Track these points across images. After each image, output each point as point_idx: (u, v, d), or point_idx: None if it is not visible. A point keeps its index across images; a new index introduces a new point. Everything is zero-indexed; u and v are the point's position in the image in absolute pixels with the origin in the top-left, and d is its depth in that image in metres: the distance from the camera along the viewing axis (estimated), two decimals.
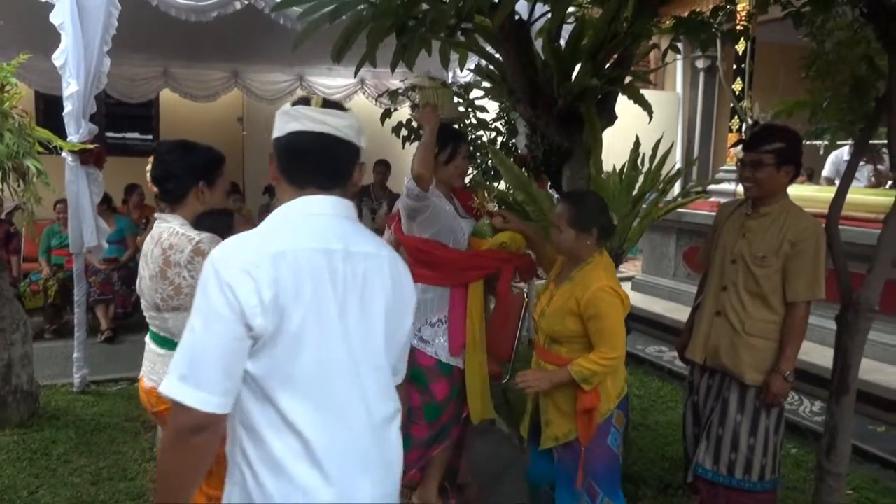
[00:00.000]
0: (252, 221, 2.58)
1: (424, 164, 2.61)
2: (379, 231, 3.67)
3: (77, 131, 4.18)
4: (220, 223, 2.16)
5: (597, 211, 2.38)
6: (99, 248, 4.51)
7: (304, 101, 1.41)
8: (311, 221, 1.38)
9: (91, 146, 4.23)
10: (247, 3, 4.48)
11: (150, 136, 9.44)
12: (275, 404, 1.27)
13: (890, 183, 5.53)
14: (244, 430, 1.30)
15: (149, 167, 2.26)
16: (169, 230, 2.14)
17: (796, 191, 2.67)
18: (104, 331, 5.78)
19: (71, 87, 4.08)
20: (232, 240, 1.33)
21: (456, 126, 2.94)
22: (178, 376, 1.22)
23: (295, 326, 1.27)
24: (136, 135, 9.51)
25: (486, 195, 2.91)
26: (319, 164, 1.40)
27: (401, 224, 2.90)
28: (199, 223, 2.16)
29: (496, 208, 2.89)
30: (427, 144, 2.67)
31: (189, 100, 8.46)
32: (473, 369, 2.88)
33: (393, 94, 6.05)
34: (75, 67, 4.05)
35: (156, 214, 2.24)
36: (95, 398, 4.46)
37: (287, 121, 1.40)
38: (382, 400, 1.42)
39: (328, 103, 1.43)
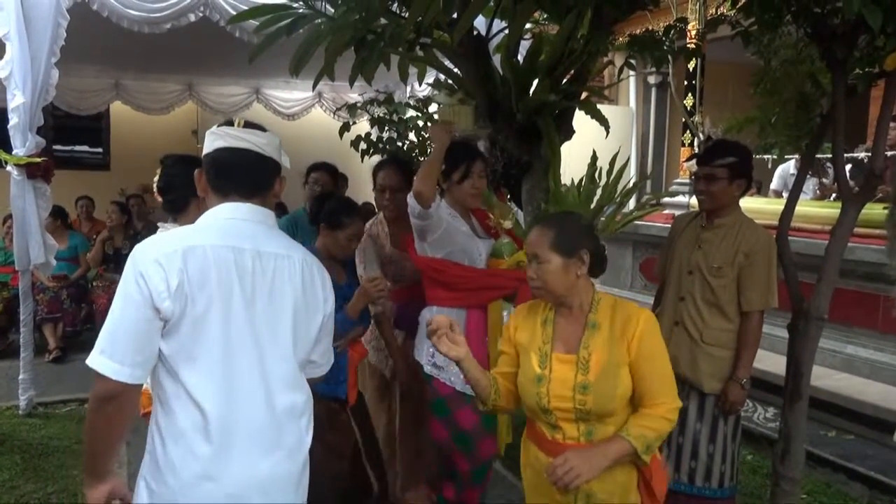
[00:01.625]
0: None
1: (424, 181, 2.50)
2: None
3: (23, 144, 4.04)
4: None
5: (585, 231, 1.88)
6: (47, 265, 4.35)
7: (229, 123, 1.63)
8: (227, 224, 1.57)
9: (38, 159, 4.10)
10: (201, 15, 4.42)
11: (100, 150, 9.20)
12: (180, 380, 1.46)
13: (834, 195, 5.74)
14: (159, 403, 1.50)
15: (156, 178, 2.36)
16: None
17: (746, 203, 2.75)
18: (52, 350, 5.57)
19: (16, 100, 3.95)
20: (156, 236, 1.55)
21: (478, 143, 2.80)
22: (98, 350, 1.43)
23: (198, 311, 1.46)
24: (85, 148, 9.25)
25: (501, 213, 2.73)
26: (241, 175, 1.60)
27: (414, 244, 2.76)
28: None
29: (512, 226, 2.71)
30: (431, 161, 2.58)
31: (142, 112, 8.28)
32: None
33: (351, 108, 6.02)
34: (21, 79, 3.93)
35: (159, 223, 2.32)
36: (43, 421, 4.28)
37: (214, 139, 1.61)
38: (288, 389, 1.57)
39: (249, 124, 1.64)
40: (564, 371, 1.76)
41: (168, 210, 2.30)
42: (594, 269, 1.86)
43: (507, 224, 2.69)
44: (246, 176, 1.60)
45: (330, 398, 2.56)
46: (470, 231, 2.74)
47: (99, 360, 1.42)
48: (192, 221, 2.21)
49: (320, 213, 2.71)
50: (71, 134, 8.93)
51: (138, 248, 1.50)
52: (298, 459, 1.60)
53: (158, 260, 1.44)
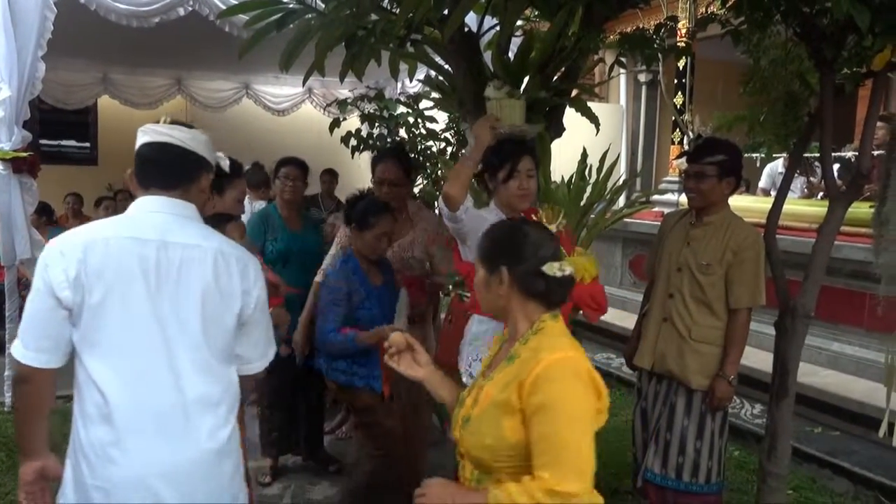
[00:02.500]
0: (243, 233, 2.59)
1: (453, 183, 2.38)
2: (327, 241, 3.63)
3: (9, 139, 4.00)
4: (213, 226, 2.34)
5: (509, 246, 1.56)
6: (33, 260, 4.32)
7: (155, 122, 1.72)
8: (139, 216, 1.65)
9: (24, 154, 4.06)
10: (190, 9, 4.39)
11: (87, 144, 9.12)
12: (85, 365, 1.55)
13: (821, 194, 5.79)
14: (76, 388, 1.59)
15: None
16: None
17: (734, 201, 2.77)
18: None
19: (2, 93, 3.91)
20: (71, 230, 1.64)
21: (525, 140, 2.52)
22: (17, 337, 1.56)
23: (95, 300, 1.53)
24: (72, 142, 9.17)
25: (548, 215, 2.51)
26: (160, 168, 1.67)
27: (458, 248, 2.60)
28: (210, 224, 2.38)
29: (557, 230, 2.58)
30: (464, 161, 2.44)
31: (130, 107, 8.21)
32: None
33: (342, 104, 6.01)
34: (7, 72, 3.88)
35: None
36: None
37: (141, 136, 1.70)
38: (199, 378, 1.60)
39: (175, 121, 1.73)
40: (469, 398, 1.57)
41: None
42: (533, 294, 1.53)
43: (553, 227, 2.54)
44: (165, 169, 1.67)
45: (366, 389, 2.74)
46: None
47: (15, 344, 1.57)
48: (207, 213, 2.32)
49: (352, 214, 2.77)
50: (58, 128, 8.84)
51: (50, 240, 1.63)
52: (211, 449, 1.61)
53: (62, 251, 1.55)
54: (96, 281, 1.53)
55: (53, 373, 1.58)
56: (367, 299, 2.75)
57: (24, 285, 5.47)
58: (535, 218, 2.33)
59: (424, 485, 1.49)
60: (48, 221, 5.77)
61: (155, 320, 1.57)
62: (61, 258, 1.54)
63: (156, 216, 1.64)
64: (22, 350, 1.55)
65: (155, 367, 1.57)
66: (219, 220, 2.41)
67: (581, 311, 2.47)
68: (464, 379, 2.52)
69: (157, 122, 1.71)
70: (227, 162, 1.91)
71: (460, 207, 2.35)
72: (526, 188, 2.43)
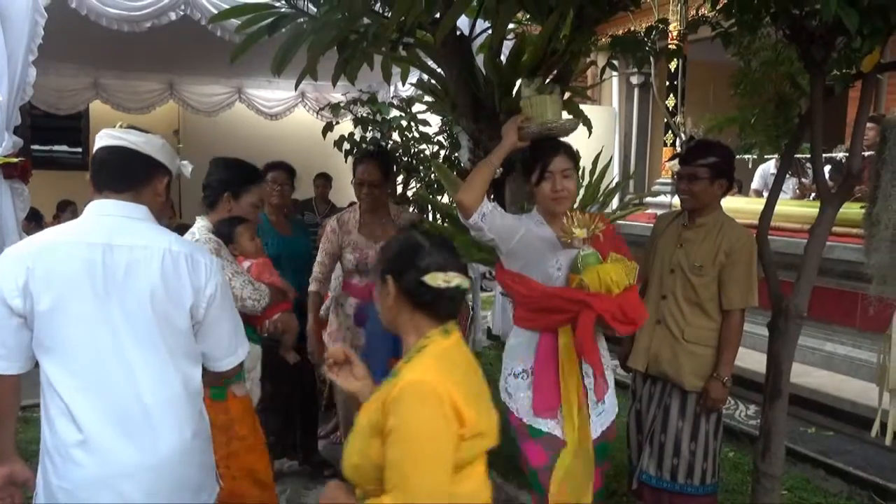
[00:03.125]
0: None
1: (465, 188, 2.25)
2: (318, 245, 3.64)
3: (0, 144, 3.98)
4: (225, 229, 2.51)
5: (397, 254, 1.53)
6: None
7: (111, 127, 1.76)
8: (88, 220, 1.68)
9: (15, 159, 4.04)
10: (182, 13, 4.38)
11: (80, 149, 9.09)
12: (44, 370, 1.61)
13: (813, 195, 5.82)
14: (41, 392, 1.65)
15: None
16: (193, 230, 2.52)
17: (727, 202, 2.78)
18: None
19: None
20: (28, 238, 1.69)
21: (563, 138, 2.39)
22: None
23: (45, 307, 1.57)
24: (64, 148, 9.13)
25: (579, 220, 2.22)
26: (111, 171, 1.71)
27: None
28: (217, 228, 2.52)
29: (588, 235, 2.21)
30: (480, 165, 2.31)
31: (122, 112, 8.18)
32: (569, 446, 2.28)
33: (335, 108, 6.01)
34: None
35: (197, 216, 2.59)
36: (22, 425, 4.21)
37: (98, 140, 1.74)
38: (156, 379, 1.63)
39: (132, 127, 1.77)
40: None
41: (204, 205, 2.60)
42: (419, 305, 1.49)
43: (581, 233, 2.20)
44: (116, 172, 1.71)
45: None
46: (556, 240, 2.32)
47: None
48: (218, 218, 2.54)
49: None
50: (49, 133, 8.81)
51: (4, 250, 1.67)
52: (174, 447, 1.65)
53: (13, 259, 1.59)
54: (45, 287, 1.57)
55: (14, 379, 1.63)
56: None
57: None
58: (564, 221, 2.23)
59: (326, 485, 1.51)
60: (37, 227, 5.74)
61: (105, 323, 1.60)
62: (11, 267, 1.58)
63: (105, 219, 1.67)
64: None
65: (109, 369, 1.60)
66: (231, 223, 2.51)
67: (610, 325, 2.22)
68: (502, 395, 2.41)
69: (114, 127, 1.76)
70: (189, 169, 1.93)
71: (474, 214, 2.21)
72: (560, 190, 2.26)
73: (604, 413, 2.43)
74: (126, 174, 1.72)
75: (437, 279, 1.46)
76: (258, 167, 2.64)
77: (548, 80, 2.42)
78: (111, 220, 1.67)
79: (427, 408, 1.33)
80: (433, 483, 1.31)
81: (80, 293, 1.59)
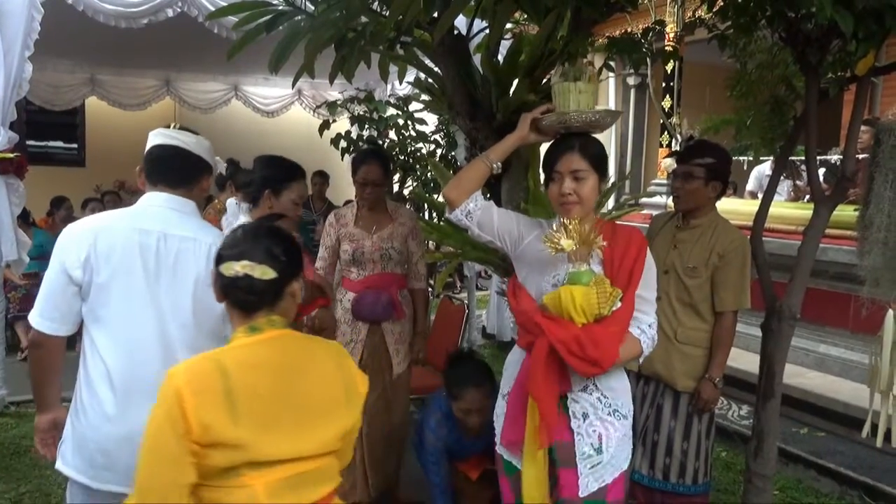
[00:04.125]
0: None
1: (452, 182, 2.10)
2: (316, 241, 3.65)
3: None
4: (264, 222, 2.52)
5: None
6: (19, 262, 4.28)
7: (166, 126, 1.96)
8: (144, 210, 1.88)
9: (11, 155, 4.03)
10: (179, 10, 4.37)
11: (75, 146, 9.06)
12: (91, 336, 1.80)
13: (807, 197, 5.84)
14: (82, 356, 1.83)
15: None
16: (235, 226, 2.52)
17: (722, 203, 2.79)
18: (24, 348, 5.47)
19: None
20: (84, 218, 1.88)
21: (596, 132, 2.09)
22: (35, 308, 1.81)
23: (102, 280, 1.77)
24: (59, 143, 9.11)
25: (569, 228, 1.87)
26: (167, 167, 1.90)
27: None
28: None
29: (575, 249, 1.86)
30: (476, 160, 2.12)
31: (118, 108, 8.18)
32: (529, 481, 1.96)
33: (331, 106, 6.01)
34: None
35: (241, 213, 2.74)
36: (15, 420, 4.21)
37: (152, 138, 1.93)
38: (187, 352, 1.75)
39: (183, 128, 1.97)
40: None
41: (248, 201, 2.70)
42: (225, 297, 1.49)
43: (568, 245, 1.85)
44: (171, 168, 1.91)
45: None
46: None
47: (33, 315, 1.81)
48: (260, 214, 2.62)
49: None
50: (45, 129, 8.78)
51: (68, 226, 1.86)
52: None
53: (74, 237, 1.80)
54: (104, 263, 1.78)
55: (62, 340, 1.83)
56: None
57: (10, 287, 5.44)
58: (552, 229, 1.95)
59: None
60: (25, 223, 5.71)
61: (151, 301, 1.80)
62: (75, 242, 1.79)
63: (159, 210, 1.87)
64: (38, 319, 1.80)
65: (149, 341, 1.79)
66: (269, 219, 2.51)
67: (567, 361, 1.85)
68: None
69: (168, 126, 1.96)
70: (223, 166, 2.08)
71: (457, 210, 2.05)
72: (567, 194, 1.93)
73: (600, 466, 1.94)
74: (181, 172, 1.92)
75: (230, 268, 1.43)
76: (295, 165, 2.64)
77: (586, 62, 2.08)
78: (165, 211, 1.88)
79: (160, 405, 1.34)
80: (156, 479, 1.31)
81: (134, 272, 1.79)
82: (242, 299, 1.45)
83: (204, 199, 2.01)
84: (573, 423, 1.97)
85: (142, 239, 1.81)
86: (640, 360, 2.07)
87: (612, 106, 9.77)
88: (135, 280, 1.79)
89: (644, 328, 1.98)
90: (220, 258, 1.47)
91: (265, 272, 1.42)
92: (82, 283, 1.78)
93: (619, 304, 1.89)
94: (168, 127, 1.96)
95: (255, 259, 1.43)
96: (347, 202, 4.54)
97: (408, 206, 4.46)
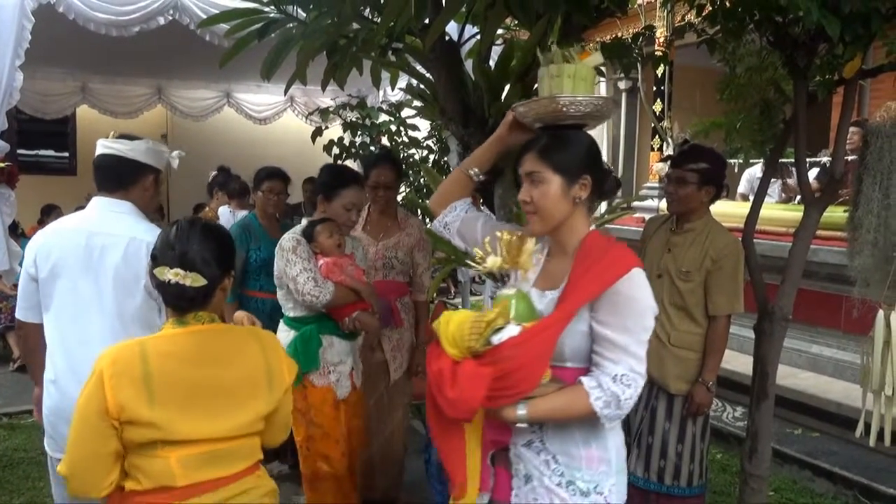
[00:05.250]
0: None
1: (435, 194, 1.90)
2: None
3: None
4: (309, 228, 2.70)
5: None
6: (10, 272, 4.25)
7: (105, 136, 2.18)
8: (88, 213, 2.16)
9: (2, 164, 4.01)
10: (171, 18, 4.37)
11: (66, 154, 9.03)
12: (45, 323, 2.15)
13: (798, 198, 5.88)
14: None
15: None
16: (294, 228, 2.79)
17: (714, 206, 2.80)
18: (16, 359, 5.43)
19: None
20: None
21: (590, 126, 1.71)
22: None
23: (44, 276, 2.10)
24: (50, 152, 9.07)
25: (504, 243, 1.61)
26: (103, 175, 2.17)
27: None
28: (306, 227, 2.71)
29: (496, 267, 1.62)
30: (458, 168, 1.88)
31: (109, 116, 8.14)
32: None
33: (324, 112, 6.01)
34: None
35: (303, 218, 2.86)
36: (7, 431, 4.18)
37: (97, 148, 2.17)
38: (106, 338, 1.96)
39: (123, 135, 2.20)
40: None
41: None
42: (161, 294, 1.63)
43: (492, 263, 1.61)
44: (107, 175, 2.16)
45: None
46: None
47: (17, 307, 2.21)
48: (318, 217, 2.78)
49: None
50: (36, 138, 8.74)
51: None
52: None
53: (32, 240, 2.16)
54: (45, 261, 2.09)
55: (36, 325, 2.16)
56: None
57: (1, 298, 5.41)
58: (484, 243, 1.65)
59: None
60: (13, 234, 5.67)
61: (81, 293, 2.08)
62: (31, 244, 2.15)
63: (98, 212, 2.14)
64: (18, 308, 2.20)
65: (78, 329, 2.08)
66: (312, 223, 2.73)
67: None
68: None
69: (107, 136, 2.17)
70: (177, 162, 2.32)
71: (435, 221, 1.89)
72: (522, 200, 1.64)
73: None
74: (115, 177, 2.15)
75: (162, 273, 1.54)
76: (355, 171, 2.77)
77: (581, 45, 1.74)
78: (103, 213, 2.14)
79: (87, 383, 1.51)
80: (81, 448, 1.49)
81: (68, 268, 2.08)
82: (173, 303, 1.58)
83: (150, 196, 2.23)
84: (514, 483, 1.63)
85: (75, 238, 2.09)
86: (606, 424, 1.53)
87: None
88: (69, 275, 2.08)
89: (604, 381, 1.49)
90: (154, 259, 1.57)
91: (196, 280, 1.52)
92: (36, 278, 2.10)
93: (515, 333, 1.47)
94: (108, 136, 2.18)
95: (187, 266, 1.52)
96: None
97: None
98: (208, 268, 1.54)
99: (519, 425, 1.55)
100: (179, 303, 1.56)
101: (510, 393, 1.47)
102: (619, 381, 1.49)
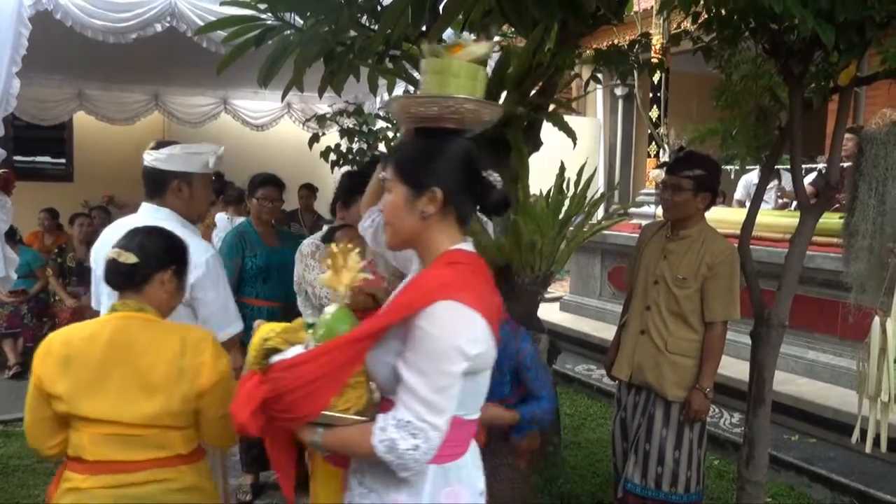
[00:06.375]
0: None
1: (364, 195, 1.81)
2: None
3: None
4: (329, 234, 2.73)
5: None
6: (7, 279, 4.24)
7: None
8: (134, 216, 2.30)
9: None
10: (168, 25, 4.37)
11: (63, 161, 9.01)
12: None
13: (795, 205, 5.90)
14: None
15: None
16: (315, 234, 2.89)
17: (710, 212, 2.81)
18: (12, 366, 5.42)
19: None
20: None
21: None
22: None
23: (98, 274, 2.21)
24: (47, 159, 9.05)
25: (345, 255, 1.49)
26: (144, 185, 2.33)
27: None
28: (326, 233, 2.77)
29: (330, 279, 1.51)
30: (378, 166, 1.65)
31: (106, 122, 8.14)
32: None
33: (321, 119, 6.02)
34: None
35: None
36: (3, 439, 4.16)
37: None
38: None
39: (159, 143, 2.34)
40: None
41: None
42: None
43: (326, 280, 1.51)
44: (144, 185, 2.33)
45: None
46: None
47: None
48: (337, 223, 2.85)
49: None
50: (32, 145, 8.72)
51: None
52: None
53: (98, 238, 2.34)
54: (98, 260, 2.23)
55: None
56: None
57: None
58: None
59: None
60: (11, 241, 5.66)
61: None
62: (96, 243, 2.33)
63: (140, 216, 2.27)
64: (94, 302, 2.39)
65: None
66: (332, 229, 2.78)
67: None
68: None
69: (152, 146, 2.32)
70: (213, 159, 2.37)
71: (360, 224, 1.82)
72: (378, 208, 1.58)
73: None
74: (148, 186, 2.32)
75: (108, 254, 1.77)
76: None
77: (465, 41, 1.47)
78: (144, 217, 2.27)
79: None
80: (28, 414, 1.73)
81: None
82: (109, 279, 1.77)
83: (187, 200, 2.33)
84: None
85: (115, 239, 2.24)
86: (399, 473, 1.33)
87: (599, 117, 9.81)
88: None
89: (389, 424, 1.31)
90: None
91: (128, 258, 1.73)
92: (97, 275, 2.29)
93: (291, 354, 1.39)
94: (152, 146, 2.31)
95: (126, 248, 1.75)
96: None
97: None
98: (143, 252, 1.74)
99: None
100: (113, 278, 1.76)
101: (289, 416, 1.36)
102: (401, 428, 1.29)
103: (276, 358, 1.38)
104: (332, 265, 1.48)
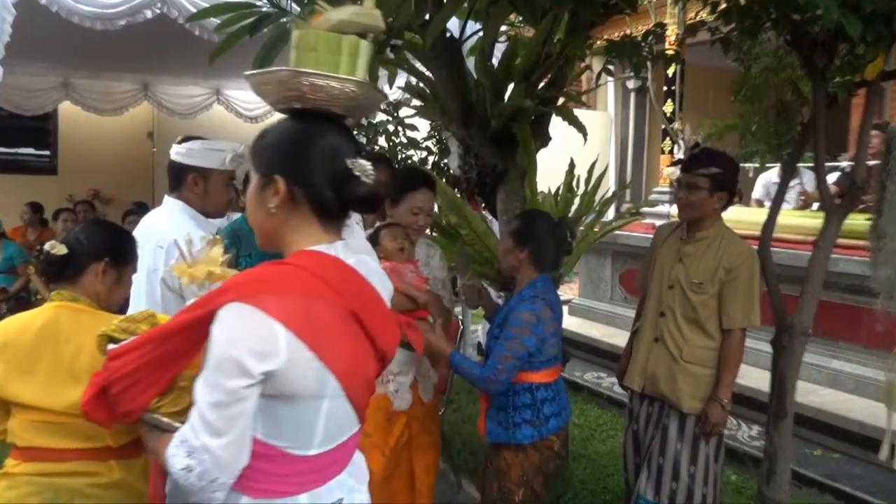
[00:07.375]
0: None
1: None
2: None
3: None
4: (375, 233, 2.75)
5: None
6: None
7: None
8: (157, 210, 2.54)
9: None
10: (158, 11, 4.37)
11: (47, 153, 9.03)
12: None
13: (817, 205, 5.88)
14: None
15: None
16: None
17: (727, 212, 2.78)
18: None
19: None
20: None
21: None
22: None
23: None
24: (30, 150, 9.07)
25: (207, 254, 1.64)
26: (169, 178, 2.48)
27: None
28: (372, 232, 2.78)
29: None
30: None
31: (93, 113, 8.15)
32: None
33: None
34: None
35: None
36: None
37: None
38: None
39: (186, 137, 2.47)
40: None
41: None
42: None
43: (175, 271, 1.61)
44: (169, 178, 2.48)
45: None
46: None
47: None
48: (384, 218, 2.89)
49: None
50: (15, 136, 8.74)
51: None
52: None
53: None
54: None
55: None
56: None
57: None
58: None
59: None
60: None
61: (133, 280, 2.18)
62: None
63: (160, 207, 2.51)
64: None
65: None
66: (379, 227, 2.78)
67: None
68: None
69: (179, 141, 2.47)
70: (229, 157, 2.45)
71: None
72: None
73: None
74: (171, 179, 2.47)
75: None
76: (426, 174, 2.80)
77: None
78: (161, 208, 2.50)
79: None
80: None
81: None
82: (42, 269, 1.87)
83: (202, 195, 2.45)
84: None
85: (140, 230, 2.40)
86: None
87: (611, 111, 9.78)
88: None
89: (176, 437, 1.22)
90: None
91: (60, 249, 1.81)
92: None
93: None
94: (178, 140, 2.46)
95: (64, 240, 1.85)
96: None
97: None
98: (78, 245, 1.83)
99: None
100: (46, 269, 1.85)
101: (119, 411, 1.34)
102: (181, 444, 1.19)
103: (110, 346, 1.43)
104: (186, 255, 1.58)
